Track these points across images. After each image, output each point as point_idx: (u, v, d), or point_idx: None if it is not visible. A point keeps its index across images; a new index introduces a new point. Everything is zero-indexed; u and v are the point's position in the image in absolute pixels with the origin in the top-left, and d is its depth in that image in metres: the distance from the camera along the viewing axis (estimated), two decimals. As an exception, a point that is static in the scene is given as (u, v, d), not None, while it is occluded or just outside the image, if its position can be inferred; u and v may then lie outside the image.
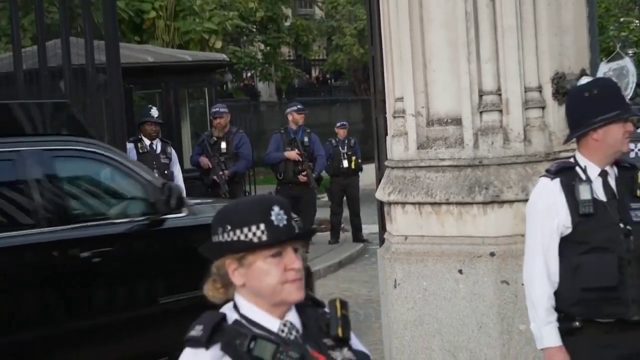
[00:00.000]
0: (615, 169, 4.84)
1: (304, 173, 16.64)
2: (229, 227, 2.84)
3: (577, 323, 4.69)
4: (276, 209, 2.85)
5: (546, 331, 4.73)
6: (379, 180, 7.05)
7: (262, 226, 2.81)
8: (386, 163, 6.88)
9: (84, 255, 7.70)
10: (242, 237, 2.81)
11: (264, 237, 2.80)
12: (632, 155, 6.24)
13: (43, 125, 9.33)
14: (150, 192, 9.51)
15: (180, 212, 9.35)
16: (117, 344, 8.26)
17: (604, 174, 4.75)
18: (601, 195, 4.69)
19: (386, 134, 6.97)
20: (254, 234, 2.80)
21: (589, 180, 4.68)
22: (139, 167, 10.21)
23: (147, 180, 9.75)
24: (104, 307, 8.48)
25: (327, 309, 2.98)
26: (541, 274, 4.74)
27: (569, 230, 4.69)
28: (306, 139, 17.36)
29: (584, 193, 4.62)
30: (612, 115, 4.61)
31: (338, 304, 2.96)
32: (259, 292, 2.86)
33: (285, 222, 2.84)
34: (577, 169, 4.77)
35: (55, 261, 7.66)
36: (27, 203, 8.13)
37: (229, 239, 2.84)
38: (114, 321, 8.31)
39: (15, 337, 7.66)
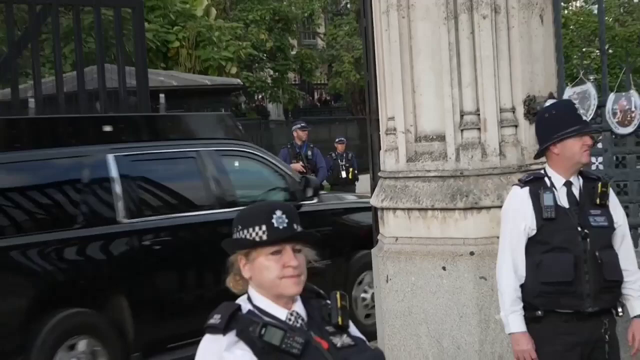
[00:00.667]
0: (581, 180, 4.84)
1: None
2: (240, 227, 2.96)
3: (540, 312, 4.72)
4: (278, 213, 2.92)
5: (512, 319, 4.77)
6: (373, 189, 7.02)
7: (263, 227, 2.89)
8: (379, 174, 6.84)
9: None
10: (247, 236, 2.91)
11: (264, 237, 2.88)
12: (593, 167, 6.21)
13: (213, 131, 10.48)
14: (290, 184, 10.46)
15: (313, 199, 10.25)
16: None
17: (568, 184, 4.78)
18: (564, 202, 4.73)
19: (379, 149, 6.93)
20: (257, 234, 2.89)
21: (553, 189, 4.74)
22: (282, 164, 11.25)
23: (288, 174, 10.72)
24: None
25: (328, 301, 3.01)
26: (508, 269, 4.79)
27: (534, 232, 4.74)
28: (309, 153, 17.44)
29: (547, 200, 4.69)
30: (567, 131, 4.67)
31: (338, 297, 3.02)
32: (261, 285, 2.93)
33: (285, 225, 2.90)
34: (545, 179, 4.82)
35: (219, 236, 7.46)
36: (205, 190, 9.29)
37: (238, 237, 2.95)
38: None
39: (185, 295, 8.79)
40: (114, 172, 8.34)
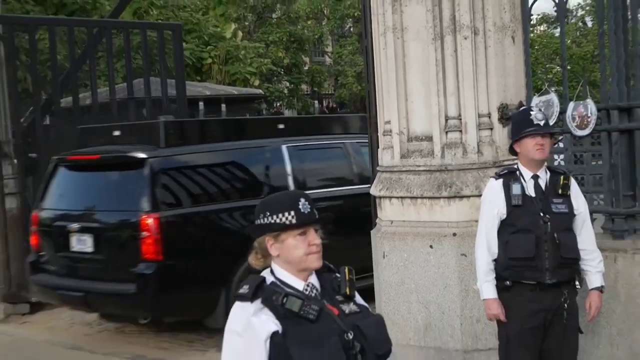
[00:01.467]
0: (548, 174, 4.87)
1: None
2: (269, 214, 2.93)
3: (508, 283, 4.77)
4: (302, 200, 2.94)
5: (485, 288, 4.84)
6: (372, 181, 6.95)
7: (292, 213, 2.91)
8: (377, 168, 6.81)
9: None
10: (278, 221, 2.90)
11: (294, 221, 2.89)
12: (556, 163, 6.20)
13: (353, 128, 11.25)
14: None
15: None
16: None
17: (535, 177, 4.82)
18: (531, 192, 4.78)
19: (378, 147, 6.88)
20: (286, 218, 2.89)
21: (522, 181, 4.79)
22: None
23: None
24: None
25: (338, 274, 3.02)
26: (483, 247, 4.86)
27: (505, 216, 4.80)
28: None
29: (515, 190, 4.76)
30: (522, 133, 4.78)
31: (347, 271, 3.03)
32: (289, 261, 2.91)
33: (308, 210, 2.93)
34: (517, 172, 4.86)
35: (359, 204, 8.75)
36: (350, 171, 10.28)
37: (268, 222, 2.93)
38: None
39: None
40: (286, 158, 9.57)
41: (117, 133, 9.52)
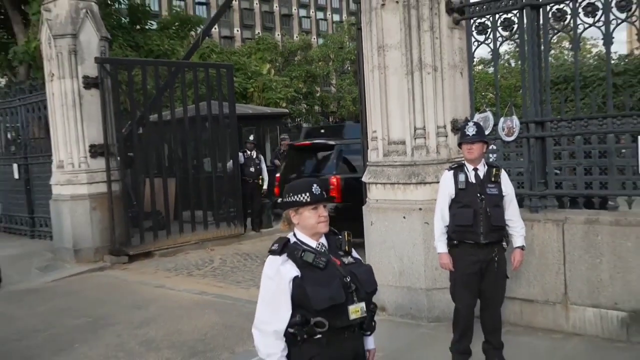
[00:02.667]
0: (485, 167, 4.85)
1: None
2: (292, 194, 2.90)
3: (455, 242, 4.82)
4: (315, 185, 2.90)
5: (439, 245, 4.90)
6: (364, 172, 6.91)
7: (307, 194, 2.88)
8: (367, 163, 6.80)
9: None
10: (297, 199, 2.88)
11: (308, 199, 2.87)
12: (491, 160, 6.14)
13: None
14: None
15: None
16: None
17: (475, 170, 4.81)
18: (472, 180, 4.79)
19: (367, 148, 6.85)
20: (303, 197, 2.87)
21: (466, 172, 4.80)
22: None
23: None
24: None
25: (340, 236, 2.98)
26: (439, 217, 4.90)
27: (454, 196, 4.81)
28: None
29: (461, 178, 4.79)
30: (461, 140, 4.85)
31: (346, 234, 2.99)
32: (305, 227, 2.88)
33: (319, 192, 2.89)
34: (463, 166, 4.85)
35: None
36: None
37: (291, 200, 2.90)
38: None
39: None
40: (350, 150, 10.27)
41: (322, 131, 12.45)
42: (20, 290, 9.12)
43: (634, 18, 5.31)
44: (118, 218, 10.50)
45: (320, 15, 72.78)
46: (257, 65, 34.14)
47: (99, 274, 9.91)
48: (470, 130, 4.79)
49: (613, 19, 5.37)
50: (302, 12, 70.93)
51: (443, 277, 5.61)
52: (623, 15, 5.36)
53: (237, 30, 63.28)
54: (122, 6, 19.11)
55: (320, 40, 56.20)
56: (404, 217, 6.22)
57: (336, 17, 72.20)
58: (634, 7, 5.29)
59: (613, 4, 5.36)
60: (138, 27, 18.78)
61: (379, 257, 6.36)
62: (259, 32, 59.01)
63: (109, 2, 17.30)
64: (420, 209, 6.12)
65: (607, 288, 5.37)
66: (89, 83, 10.46)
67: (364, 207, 6.79)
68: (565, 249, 5.56)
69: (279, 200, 3.07)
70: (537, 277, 5.72)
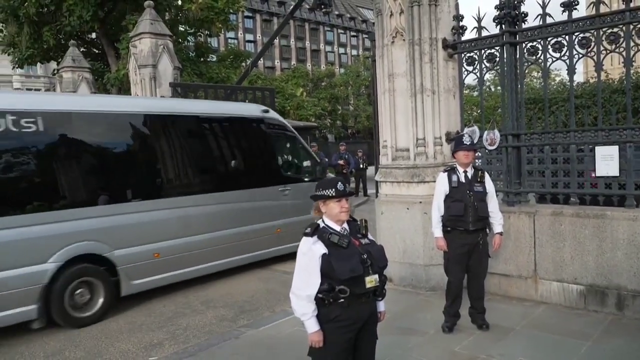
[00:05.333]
0: (472, 170, 4.75)
1: (344, 170, 16.60)
2: (321, 189, 2.85)
3: (449, 228, 4.69)
4: (339, 183, 2.84)
5: (436, 230, 4.77)
6: (376, 172, 6.86)
7: (333, 189, 2.82)
8: (379, 166, 6.74)
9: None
10: (325, 193, 2.84)
11: (333, 194, 2.83)
12: (477, 163, 6.03)
13: None
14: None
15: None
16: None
17: (465, 172, 4.71)
18: (463, 180, 4.68)
19: (379, 154, 6.81)
20: (330, 192, 2.83)
21: (457, 173, 4.69)
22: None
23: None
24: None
25: (358, 222, 2.94)
26: (435, 208, 4.77)
27: (448, 192, 4.68)
28: (347, 156, 17.26)
29: (454, 178, 4.67)
30: (458, 148, 4.71)
31: (363, 220, 2.98)
32: (331, 215, 2.84)
33: (342, 188, 2.83)
34: (455, 169, 4.74)
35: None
36: None
37: (320, 194, 2.86)
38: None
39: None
40: None
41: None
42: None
43: (592, 53, 5.20)
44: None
45: (342, 50, 72.72)
46: (292, 89, 34.14)
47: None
48: (467, 140, 4.72)
49: (575, 54, 5.27)
50: (328, 48, 70.97)
51: (438, 256, 5.55)
52: (583, 51, 5.25)
53: (277, 62, 63.45)
54: (190, 43, 19.28)
55: (342, 70, 56.02)
56: (407, 209, 6.16)
57: (354, 52, 72.08)
58: (592, 44, 5.18)
59: (575, 42, 5.26)
60: (202, 59, 18.94)
61: (387, 239, 6.30)
62: (294, 63, 59.17)
63: (180, 40, 17.45)
64: (420, 202, 6.04)
65: (568, 266, 5.26)
66: (165, 102, 10.54)
67: (376, 200, 6.73)
68: (535, 235, 5.46)
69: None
70: (513, 257, 5.63)
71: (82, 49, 16.61)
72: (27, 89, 43.56)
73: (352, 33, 74.43)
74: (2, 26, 16.55)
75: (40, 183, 5.49)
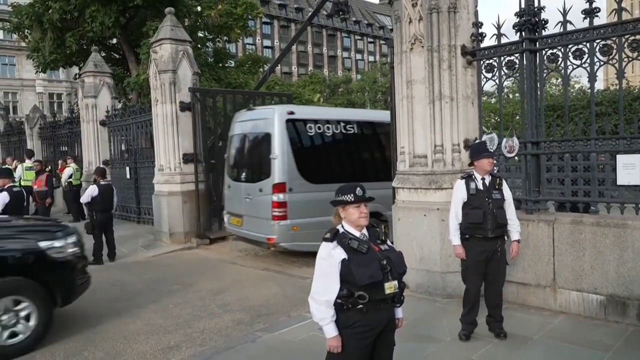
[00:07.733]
0: (490, 177, 4.73)
1: None
2: (341, 194, 2.84)
3: (467, 236, 4.65)
4: (358, 188, 2.84)
5: (454, 238, 4.71)
6: (393, 179, 6.85)
7: (352, 195, 2.82)
8: (396, 172, 6.71)
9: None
10: (344, 199, 2.83)
11: (352, 199, 2.81)
12: (495, 171, 6.00)
13: None
14: None
15: None
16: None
17: (483, 179, 4.68)
18: (481, 187, 4.65)
19: (396, 160, 6.79)
20: (349, 197, 2.82)
21: (475, 181, 4.66)
22: None
23: None
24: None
25: (377, 229, 2.93)
26: (453, 216, 4.72)
27: (466, 199, 4.65)
28: None
29: (472, 185, 4.64)
30: (479, 156, 4.67)
31: (383, 227, 2.95)
32: (350, 221, 2.82)
33: (361, 194, 2.83)
34: (473, 176, 4.71)
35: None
36: None
37: (340, 199, 2.84)
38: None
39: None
40: None
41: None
42: (129, 262, 9.34)
43: (613, 60, 5.14)
44: (202, 210, 10.65)
45: (359, 56, 72.69)
46: (309, 94, 34.28)
47: (188, 252, 10.05)
48: (490, 148, 4.73)
49: (597, 61, 5.22)
50: (345, 54, 70.99)
51: (455, 263, 5.51)
52: (605, 59, 5.20)
53: (295, 68, 63.69)
54: (209, 49, 19.45)
55: (359, 76, 56.08)
56: (425, 215, 6.13)
57: (371, 58, 72.00)
58: (613, 51, 5.13)
59: (597, 50, 5.21)
60: (220, 65, 19.08)
61: (404, 245, 6.26)
62: (311, 69, 59.34)
63: (199, 46, 17.62)
64: (437, 209, 6.01)
65: (588, 276, 5.19)
66: (184, 107, 10.67)
67: (393, 206, 6.71)
68: (554, 243, 5.40)
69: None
70: (531, 265, 5.57)
71: (103, 54, 16.86)
72: (50, 93, 44.61)
73: (370, 39, 74.46)
74: (28, 32, 16.87)
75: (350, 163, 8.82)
